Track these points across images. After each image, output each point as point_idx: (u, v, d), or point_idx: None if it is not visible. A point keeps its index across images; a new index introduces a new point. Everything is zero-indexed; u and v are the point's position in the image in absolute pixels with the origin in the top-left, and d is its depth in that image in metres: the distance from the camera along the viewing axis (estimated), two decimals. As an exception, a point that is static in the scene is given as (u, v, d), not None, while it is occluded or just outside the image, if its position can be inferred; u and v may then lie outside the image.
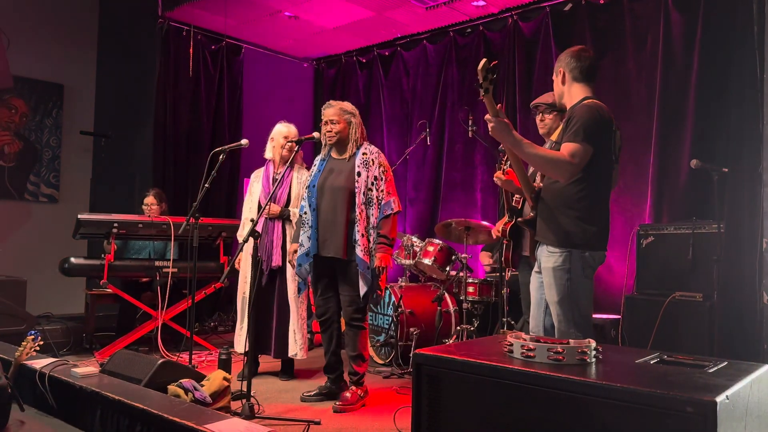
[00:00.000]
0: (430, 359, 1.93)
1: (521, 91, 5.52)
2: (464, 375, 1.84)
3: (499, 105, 2.48)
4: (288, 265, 4.07)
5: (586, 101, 2.64)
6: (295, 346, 4.08)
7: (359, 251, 3.46)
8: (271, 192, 3.76)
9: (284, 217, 4.11)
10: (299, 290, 3.99)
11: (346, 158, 3.64)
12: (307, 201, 3.69)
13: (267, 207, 3.70)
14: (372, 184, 3.55)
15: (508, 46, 5.65)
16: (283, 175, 4.01)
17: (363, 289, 3.50)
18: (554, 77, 2.81)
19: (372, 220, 3.53)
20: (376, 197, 3.54)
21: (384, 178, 3.59)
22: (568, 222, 2.57)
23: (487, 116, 2.48)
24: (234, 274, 4.28)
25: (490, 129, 2.50)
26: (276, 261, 4.07)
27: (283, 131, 4.22)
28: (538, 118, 3.52)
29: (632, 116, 4.82)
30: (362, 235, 3.49)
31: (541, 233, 2.67)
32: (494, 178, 2.97)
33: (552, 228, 2.61)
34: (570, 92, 2.72)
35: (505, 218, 3.00)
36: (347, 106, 3.70)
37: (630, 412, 1.52)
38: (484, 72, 2.34)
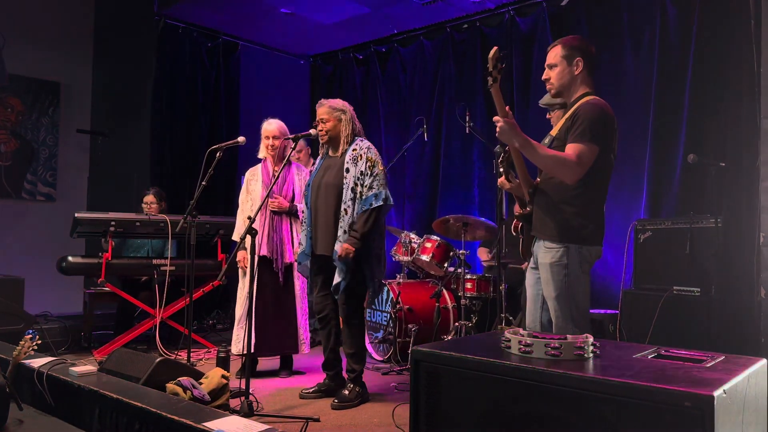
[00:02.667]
0: (429, 355, 1.93)
1: (518, 87, 5.52)
2: (462, 371, 1.84)
3: (507, 107, 2.46)
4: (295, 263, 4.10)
5: (590, 98, 2.62)
6: (300, 342, 4.17)
7: (337, 246, 3.47)
8: (270, 186, 3.76)
9: (292, 212, 4.12)
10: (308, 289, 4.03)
11: (338, 155, 3.65)
12: (304, 200, 3.72)
13: (269, 201, 3.67)
14: (357, 179, 3.52)
15: (505, 41, 5.64)
16: (282, 172, 4.01)
17: (335, 281, 3.50)
18: (563, 63, 2.67)
19: (355, 216, 3.50)
20: (360, 192, 3.52)
21: (369, 172, 3.52)
22: (566, 217, 2.57)
23: (496, 117, 2.46)
24: (232, 272, 4.27)
25: (498, 130, 2.47)
26: (289, 258, 4.10)
27: (267, 130, 4.22)
28: (553, 115, 3.50)
29: (629, 110, 4.82)
30: (344, 231, 3.48)
31: (538, 228, 2.67)
32: (498, 184, 2.92)
33: (549, 223, 2.61)
34: (579, 85, 2.67)
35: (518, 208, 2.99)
36: (337, 103, 3.69)
37: (628, 407, 1.52)
38: (494, 60, 2.30)
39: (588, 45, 2.71)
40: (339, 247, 3.44)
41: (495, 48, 2.32)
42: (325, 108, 3.66)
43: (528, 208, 2.75)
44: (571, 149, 2.51)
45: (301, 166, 4.30)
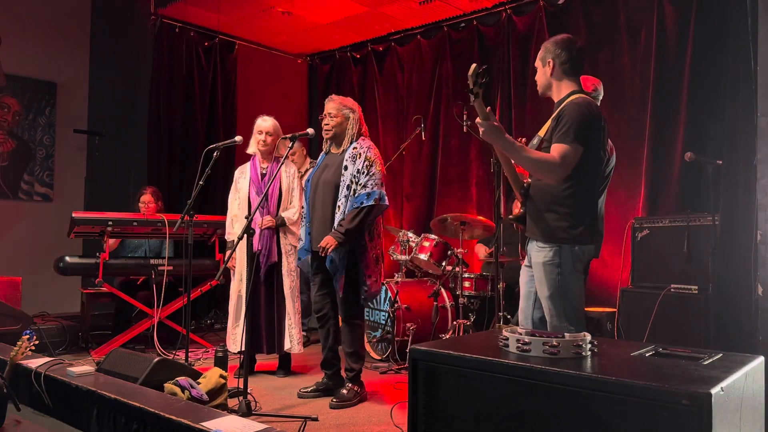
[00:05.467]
0: (427, 354, 1.93)
1: (516, 85, 5.52)
2: (460, 370, 1.84)
3: (488, 108, 2.47)
4: (283, 261, 4.08)
5: (575, 97, 2.63)
6: (291, 341, 4.11)
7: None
8: (266, 189, 3.76)
9: (280, 224, 4.10)
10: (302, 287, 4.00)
11: (339, 153, 3.65)
12: (304, 196, 3.73)
13: (259, 217, 3.65)
14: (354, 177, 3.53)
15: (502, 40, 5.65)
16: (269, 170, 4.00)
17: (336, 282, 3.50)
18: (539, 66, 2.74)
19: (346, 213, 3.50)
20: (354, 190, 3.51)
21: (366, 171, 3.52)
22: (557, 218, 2.58)
23: (478, 120, 2.47)
24: (229, 271, 4.26)
25: (480, 133, 2.50)
26: (273, 257, 4.07)
27: (261, 126, 4.20)
28: None
29: (626, 109, 4.83)
30: (335, 229, 3.49)
31: (530, 229, 2.68)
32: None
33: (541, 224, 2.62)
34: (559, 86, 2.70)
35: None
36: (348, 101, 3.69)
37: (626, 405, 1.52)
38: (474, 77, 2.33)
39: (568, 44, 2.69)
40: (335, 251, 3.44)
41: (474, 65, 2.34)
42: (335, 104, 3.65)
43: (521, 209, 2.75)
44: (554, 150, 2.53)
45: (289, 163, 4.27)
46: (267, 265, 4.07)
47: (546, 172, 2.54)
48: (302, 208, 3.76)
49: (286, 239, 4.12)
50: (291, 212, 4.12)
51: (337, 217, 3.49)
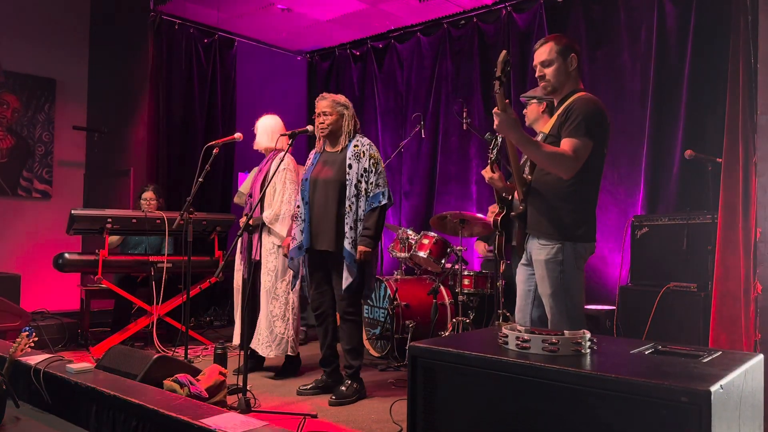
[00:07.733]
0: (426, 352, 1.93)
1: (515, 83, 5.51)
2: (459, 367, 1.84)
3: (507, 100, 2.44)
4: (264, 260, 4.00)
5: (582, 94, 2.62)
6: (260, 344, 3.93)
7: (347, 243, 3.47)
8: (257, 202, 3.76)
9: (258, 224, 4.00)
10: (293, 284, 3.95)
11: (338, 151, 3.64)
12: (300, 195, 3.70)
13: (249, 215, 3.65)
14: (362, 176, 3.53)
15: (502, 38, 5.64)
16: (266, 164, 4.02)
17: (347, 281, 3.48)
18: (558, 59, 2.62)
19: (360, 212, 3.52)
20: (365, 189, 3.53)
21: (374, 170, 3.56)
22: (562, 215, 2.57)
23: (496, 110, 2.44)
24: (228, 269, 4.25)
25: (496, 123, 2.44)
26: (255, 255, 4.00)
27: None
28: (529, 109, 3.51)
29: (626, 107, 4.83)
30: (350, 228, 3.48)
31: (532, 226, 2.66)
32: (486, 175, 2.89)
33: (545, 221, 2.61)
34: (570, 81, 2.66)
35: (496, 206, 2.96)
36: (340, 98, 3.69)
37: (625, 402, 1.52)
38: (503, 64, 2.31)
39: (576, 41, 2.73)
40: (356, 250, 3.46)
41: (504, 52, 2.31)
42: (328, 101, 3.64)
43: (521, 207, 2.74)
44: (566, 144, 2.51)
45: (287, 159, 4.11)
46: (252, 262, 3.99)
47: (560, 165, 2.52)
48: (298, 207, 3.72)
49: (269, 237, 4.02)
50: (267, 213, 3.99)
51: (350, 217, 3.49)
